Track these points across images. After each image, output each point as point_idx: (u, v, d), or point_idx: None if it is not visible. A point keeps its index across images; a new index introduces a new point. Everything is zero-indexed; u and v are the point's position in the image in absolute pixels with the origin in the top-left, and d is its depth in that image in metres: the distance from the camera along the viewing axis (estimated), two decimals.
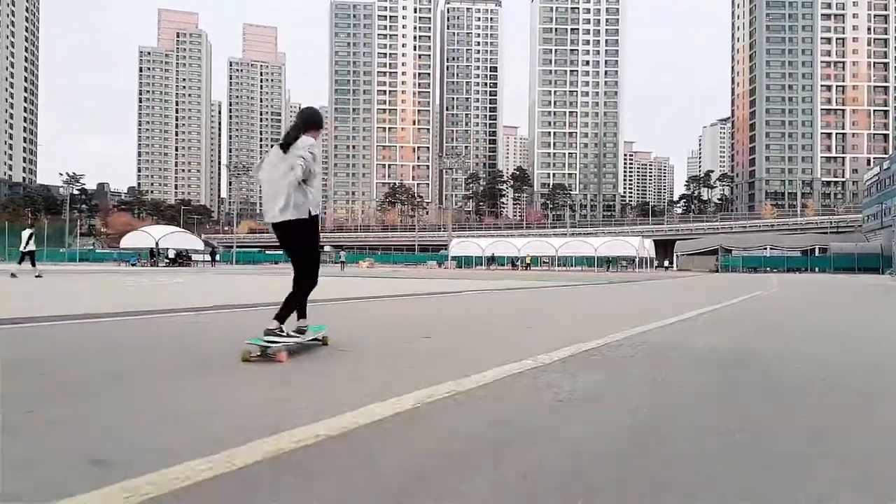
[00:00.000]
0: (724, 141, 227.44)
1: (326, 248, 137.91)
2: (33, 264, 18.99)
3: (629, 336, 5.51)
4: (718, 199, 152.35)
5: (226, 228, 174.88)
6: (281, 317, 3.99)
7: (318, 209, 4.07)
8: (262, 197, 4.14)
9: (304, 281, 4.16)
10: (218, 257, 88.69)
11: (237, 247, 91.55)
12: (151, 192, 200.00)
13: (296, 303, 4.16)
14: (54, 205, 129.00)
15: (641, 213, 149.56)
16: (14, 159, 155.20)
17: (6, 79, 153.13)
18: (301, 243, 4.07)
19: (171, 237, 52.05)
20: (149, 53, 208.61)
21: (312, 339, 4.34)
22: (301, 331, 4.23)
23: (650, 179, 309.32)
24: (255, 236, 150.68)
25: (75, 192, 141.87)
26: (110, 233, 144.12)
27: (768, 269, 62.90)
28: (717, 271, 60.36)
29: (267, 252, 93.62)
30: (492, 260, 61.52)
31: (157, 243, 49.68)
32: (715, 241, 75.40)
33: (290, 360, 3.84)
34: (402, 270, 49.55)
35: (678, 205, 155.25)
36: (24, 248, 18.91)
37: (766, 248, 68.44)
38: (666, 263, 68.37)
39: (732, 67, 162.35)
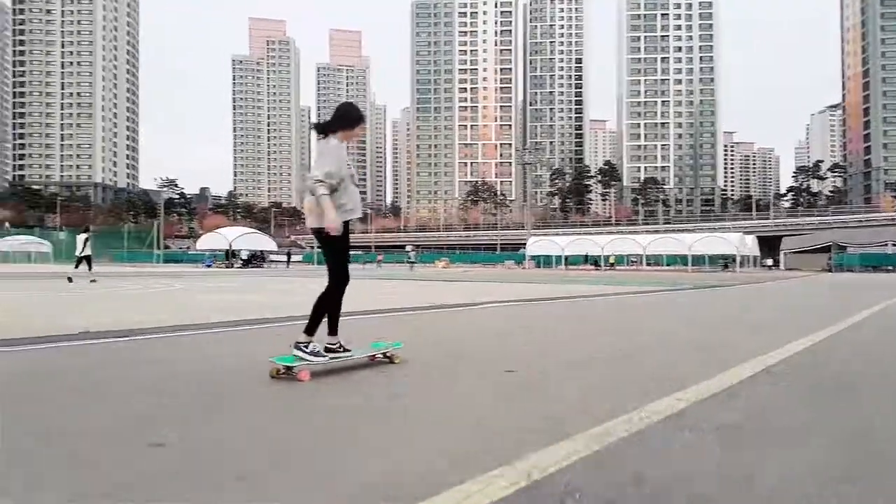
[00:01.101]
0: (835, 129, 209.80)
1: (408, 248, 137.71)
2: (89, 268, 18.64)
3: (624, 438, 2.44)
4: (830, 192, 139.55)
5: None
6: (309, 328, 3.87)
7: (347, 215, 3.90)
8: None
9: (340, 280, 3.96)
10: (300, 258, 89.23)
11: (311, 247, 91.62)
12: (246, 195, 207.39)
13: (337, 302, 3.97)
14: (154, 209, 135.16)
15: (744, 207, 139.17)
16: (118, 166, 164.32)
17: (110, 89, 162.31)
18: (331, 245, 3.89)
19: (245, 238, 51.47)
20: (241, 62, 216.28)
21: (374, 356, 4.21)
22: (330, 349, 3.99)
23: (754, 172, 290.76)
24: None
25: (174, 196, 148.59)
26: (204, 234, 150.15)
27: (891, 267, 55.20)
28: (829, 271, 53.43)
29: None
30: (585, 259, 57.24)
31: (230, 244, 49.16)
32: (826, 236, 67.60)
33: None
34: (473, 271, 46.74)
35: (785, 198, 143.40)
36: (80, 252, 18.62)
37: (886, 244, 60.31)
38: (769, 262, 61.43)
39: (842, 48, 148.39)
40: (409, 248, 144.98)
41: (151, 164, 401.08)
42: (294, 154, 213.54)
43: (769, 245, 74.78)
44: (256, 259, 53.06)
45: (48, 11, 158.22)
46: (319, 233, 3.78)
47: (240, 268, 46.67)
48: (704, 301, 12.47)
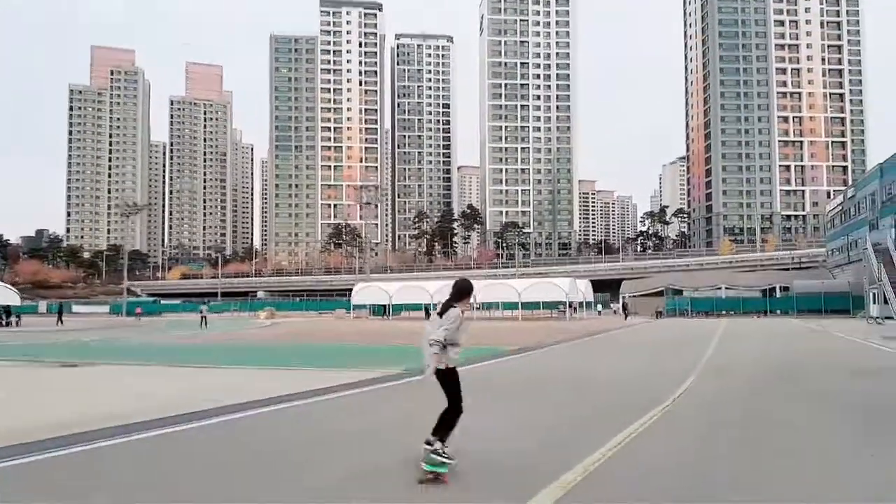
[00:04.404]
0: (684, 178, 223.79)
1: (260, 294, 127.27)
2: None
3: None
4: (676, 236, 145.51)
5: (157, 275, 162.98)
6: (442, 434, 4.95)
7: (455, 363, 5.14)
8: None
9: (455, 407, 5.08)
10: (108, 308, 77.24)
11: (148, 294, 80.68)
12: (82, 237, 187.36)
13: (452, 420, 5.03)
14: None
15: (598, 251, 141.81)
16: None
17: None
18: (449, 385, 5.09)
19: None
20: (80, 92, 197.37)
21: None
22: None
23: (614, 218, 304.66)
24: (186, 282, 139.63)
25: None
26: (19, 282, 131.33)
27: (723, 312, 54.11)
28: (660, 316, 51.31)
29: (173, 302, 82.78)
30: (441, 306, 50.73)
31: None
32: (664, 280, 66.68)
33: None
34: (293, 321, 40.01)
35: (636, 242, 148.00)
36: None
37: (720, 289, 59.77)
38: (600, 308, 58.93)
39: (686, 101, 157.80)
40: (261, 294, 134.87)
41: None
42: (140, 192, 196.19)
43: (617, 288, 73.31)
44: None
45: None
46: (442, 373, 5.01)
47: None
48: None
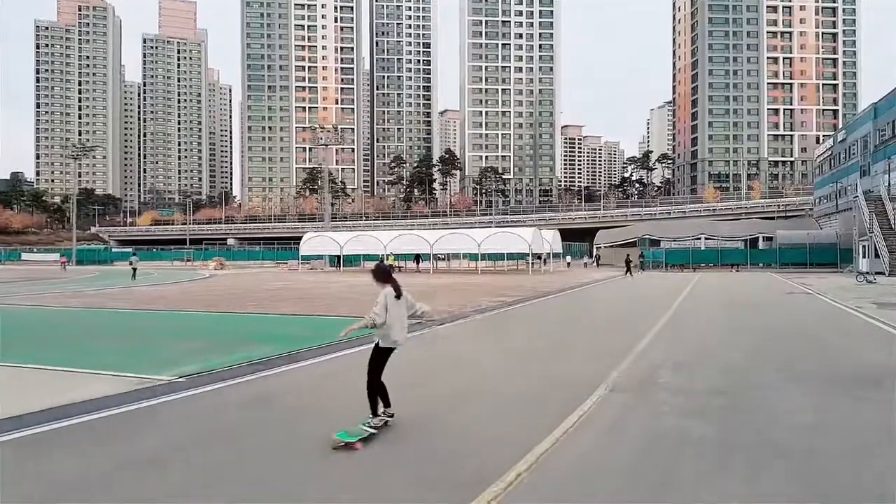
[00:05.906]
0: (671, 123, 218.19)
1: (230, 242, 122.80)
2: None
3: None
4: (661, 183, 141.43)
5: (129, 220, 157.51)
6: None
7: None
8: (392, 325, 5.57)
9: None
10: (66, 256, 72.73)
11: (117, 240, 76.34)
12: (52, 181, 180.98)
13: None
14: None
15: (580, 198, 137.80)
16: None
17: None
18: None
19: None
20: (46, 28, 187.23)
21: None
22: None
23: (600, 164, 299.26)
24: (156, 228, 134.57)
25: None
26: None
27: (700, 265, 50.61)
28: (633, 269, 47.66)
29: (125, 250, 78.61)
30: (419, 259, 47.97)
31: None
32: (643, 229, 62.98)
33: None
34: (239, 272, 36.13)
35: (619, 189, 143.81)
36: None
37: (699, 238, 56.14)
38: (569, 259, 55.25)
39: (674, 40, 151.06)
40: (230, 241, 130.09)
41: None
42: (112, 134, 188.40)
43: (594, 237, 69.62)
44: None
45: None
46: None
47: None
48: None
